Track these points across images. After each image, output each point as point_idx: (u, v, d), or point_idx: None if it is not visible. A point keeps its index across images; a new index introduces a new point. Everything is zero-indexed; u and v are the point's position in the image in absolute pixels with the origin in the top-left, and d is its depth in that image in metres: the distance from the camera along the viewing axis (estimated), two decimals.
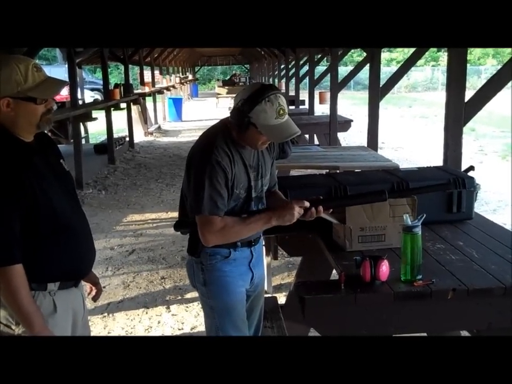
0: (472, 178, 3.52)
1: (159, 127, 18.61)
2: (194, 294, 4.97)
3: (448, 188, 2.42)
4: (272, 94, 2.25)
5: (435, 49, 36.67)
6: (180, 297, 4.95)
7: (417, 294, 2.47)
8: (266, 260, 4.84)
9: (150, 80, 18.87)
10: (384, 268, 2.50)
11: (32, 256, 2.06)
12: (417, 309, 2.52)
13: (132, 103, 13.78)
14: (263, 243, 2.65)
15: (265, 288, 4.93)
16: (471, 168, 3.84)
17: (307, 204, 2.36)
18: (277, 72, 21.06)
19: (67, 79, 8.62)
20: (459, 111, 4.49)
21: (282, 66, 19.28)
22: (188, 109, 24.17)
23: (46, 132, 2.29)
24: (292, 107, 14.22)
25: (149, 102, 18.12)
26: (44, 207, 2.06)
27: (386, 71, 25.37)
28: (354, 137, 13.59)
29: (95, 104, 11.78)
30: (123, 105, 12.80)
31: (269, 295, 4.50)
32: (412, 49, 7.89)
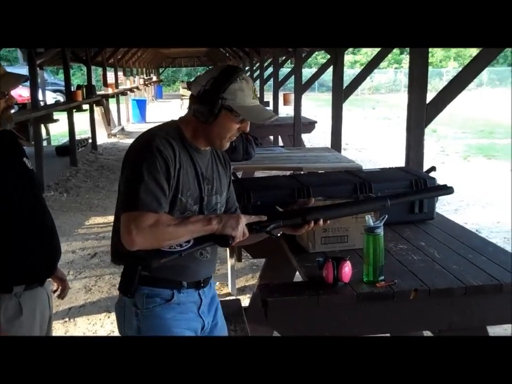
0: (433, 179, 3.56)
1: (122, 129, 18.43)
2: None
3: (449, 192, 2.28)
4: (244, 73, 1.97)
5: (398, 51, 37.16)
6: None
7: (380, 295, 2.47)
8: (230, 261, 4.83)
9: (113, 81, 18.68)
10: (347, 269, 2.49)
11: None
12: (380, 310, 2.52)
13: (94, 105, 13.62)
14: (216, 284, 2.32)
15: (229, 290, 4.92)
16: (433, 168, 3.87)
17: (259, 218, 1.97)
18: None
19: None
20: (421, 113, 4.54)
21: (247, 68, 19.29)
22: (152, 110, 23.99)
23: (9, 129, 2.23)
24: None
25: (112, 103, 17.92)
26: (6, 206, 2.02)
27: (350, 73, 25.65)
28: (318, 138, 13.65)
29: (56, 106, 11.61)
30: (85, 106, 12.64)
31: (233, 297, 4.48)
32: (375, 52, 7.96)
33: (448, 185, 2.17)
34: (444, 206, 7.70)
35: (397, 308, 2.53)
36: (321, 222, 2.07)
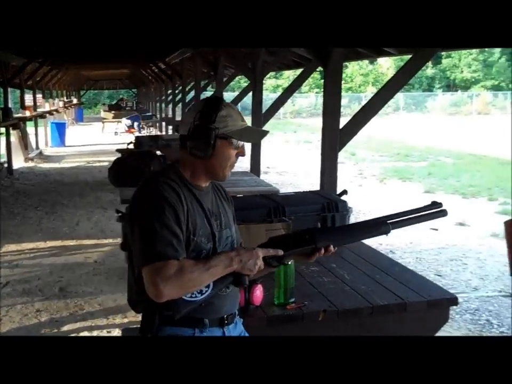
0: (344, 202, 3.66)
1: (40, 153, 17.93)
2: (72, 326, 4.80)
3: (444, 214, 2.22)
4: (223, 101, 1.98)
5: (318, 76, 38.12)
6: (56, 330, 4.74)
7: (290, 317, 2.51)
8: None
9: (31, 104, 18.19)
10: (258, 292, 2.52)
11: None
12: (290, 332, 2.56)
13: (11, 128, 13.20)
14: (241, 321, 2.17)
15: None
16: (344, 192, 3.99)
17: (276, 252, 1.95)
18: (164, 97, 21.03)
19: None
20: (334, 138, 4.68)
21: (169, 91, 19.29)
22: (71, 134, 23.49)
23: None
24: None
25: (30, 126, 17.44)
26: None
27: (273, 97, 26.01)
28: (239, 162, 13.72)
29: None
30: (1, 130, 12.25)
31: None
32: (293, 75, 8.15)
33: (442, 207, 2.14)
34: None
35: (307, 329, 2.58)
36: (331, 248, 2.00)
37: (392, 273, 3.01)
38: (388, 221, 2.09)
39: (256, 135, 2.05)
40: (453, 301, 2.73)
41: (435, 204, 2.10)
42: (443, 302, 2.69)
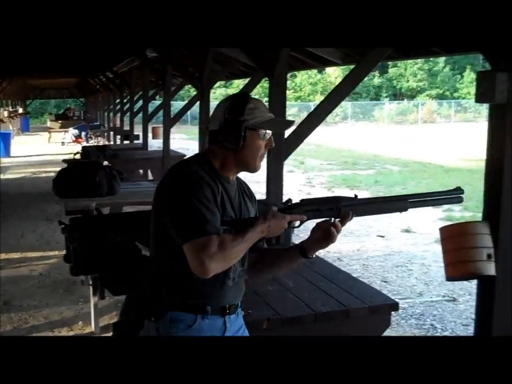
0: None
1: None
2: None
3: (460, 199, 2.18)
4: (249, 95, 2.06)
5: (267, 85, 38.35)
6: None
7: None
8: (93, 299, 4.70)
9: None
10: None
11: None
12: None
13: None
14: (242, 313, 2.20)
15: (93, 329, 4.79)
16: (289, 201, 4.01)
17: (301, 218, 2.03)
18: (112, 107, 20.81)
19: None
20: (279, 147, 4.71)
21: (117, 100, 19.10)
22: (17, 144, 22.97)
23: None
24: (126, 142, 14.12)
25: None
26: None
27: None
28: None
29: None
30: None
31: (96, 335, 4.36)
32: (242, 85, 8.20)
33: (463, 194, 2.13)
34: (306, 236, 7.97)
35: None
36: (350, 216, 2.04)
37: (336, 281, 3.05)
38: (408, 200, 2.11)
39: (283, 124, 2.12)
40: (394, 306, 2.79)
41: (457, 190, 2.11)
42: (384, 308, 2.75)
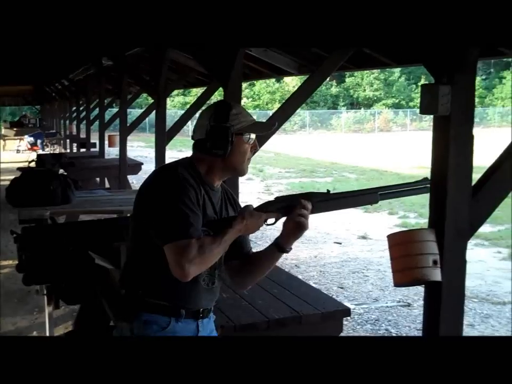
0: None
1: None
2: None
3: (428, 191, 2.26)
4: (231, 102, 2.13)
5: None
6: None
7: None
8: (47, 309, 4.63)
9: None
10: None
11: None
12: None
13: None
14: (214, 318, 2.23)
15: None
16: None
17: (277, 216, 2.05)
18: (68, 114, 20.56)
19: None
20: None
21: (73, 108, 18.87)
22: None
23: None
24: (83, 150, 13.96)
25: None
26: None
27: (181, 114, 26.02)
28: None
29: None
30: None
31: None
32: (201, 93, 8.22)
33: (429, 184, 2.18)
34: (266, 244, 8.02)
35: None
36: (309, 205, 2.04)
37: (290, 288, 3.09)
38: (379, 192, 2.15)
39: (266, 127, 2.16)
40: (346, 312, 2.85)
41: (424, 180, 2.18)
42: (336, 314, 2.80)
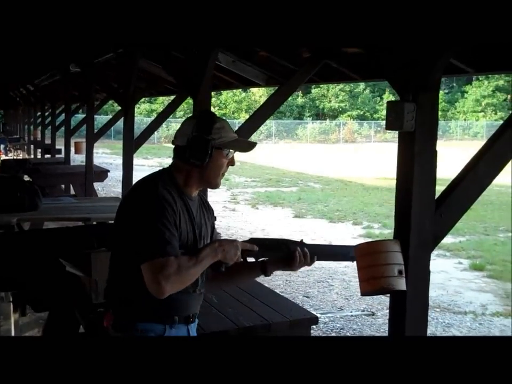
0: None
1: None
2: None
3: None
4: (215, 114, 2.19)
5: (191, 102, 38.35)
6: None
7: None
8: (14, 316, 4.60)
9: None
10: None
11: None
12: None
13: None
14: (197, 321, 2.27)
15: None
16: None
17: (252, 247, 2.10)
18: (32, 120, 20.30)
19: None
20: None
21: (38, 113, 18.64)
22: None
23: None
24: (48, 156, 13.81)
25: None
26: None
27: (148, 122, 25.90)
28: (114, 186, 13.57)
29: None
30: None
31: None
32: (167, 101, 8.23)
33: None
34: None
35: None
36: (308, 257, 2.17)
37: (259, 296, 3.15)
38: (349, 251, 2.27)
39: (246, 145, 2.19)
40: (313, 320, 2.92)
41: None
42: (304, 322, 2.87)
